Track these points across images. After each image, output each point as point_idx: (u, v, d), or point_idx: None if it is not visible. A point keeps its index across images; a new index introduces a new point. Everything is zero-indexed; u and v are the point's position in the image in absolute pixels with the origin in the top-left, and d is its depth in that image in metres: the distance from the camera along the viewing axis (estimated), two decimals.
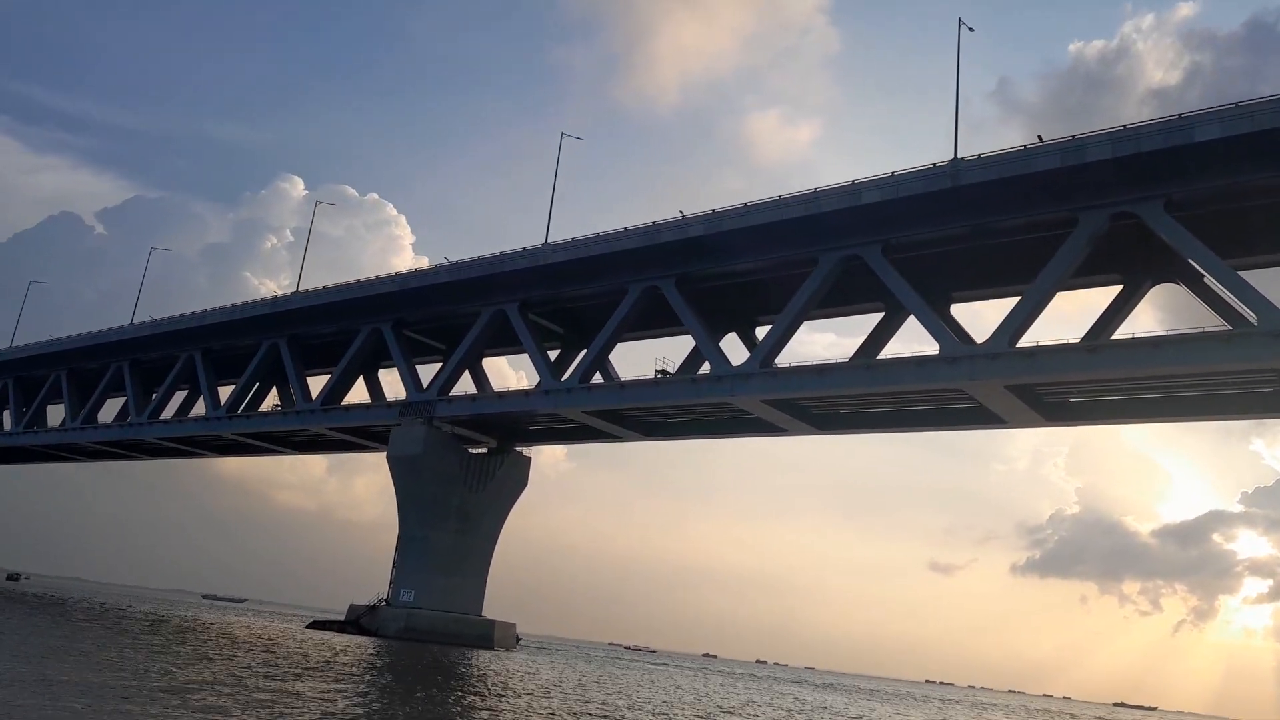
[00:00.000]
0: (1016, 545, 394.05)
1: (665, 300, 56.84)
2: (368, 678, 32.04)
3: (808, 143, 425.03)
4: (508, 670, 46.34)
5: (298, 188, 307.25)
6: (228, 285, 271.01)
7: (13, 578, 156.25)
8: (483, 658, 55.11)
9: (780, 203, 51.41)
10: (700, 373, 56.52)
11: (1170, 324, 44.15)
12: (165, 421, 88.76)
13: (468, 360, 69.21)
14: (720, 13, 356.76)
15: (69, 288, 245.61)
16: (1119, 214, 42.36)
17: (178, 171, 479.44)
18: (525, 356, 65.06)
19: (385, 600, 69.03)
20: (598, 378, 61.04)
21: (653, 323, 62.25)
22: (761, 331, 59.51)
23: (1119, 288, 48.86)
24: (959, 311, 54.00)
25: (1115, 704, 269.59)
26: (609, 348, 60.59)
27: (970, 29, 50.24)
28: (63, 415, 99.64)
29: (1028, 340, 44.55)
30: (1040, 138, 43.72)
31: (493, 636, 69.17)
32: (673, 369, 59.12)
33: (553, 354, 68.50)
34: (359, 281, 72.77)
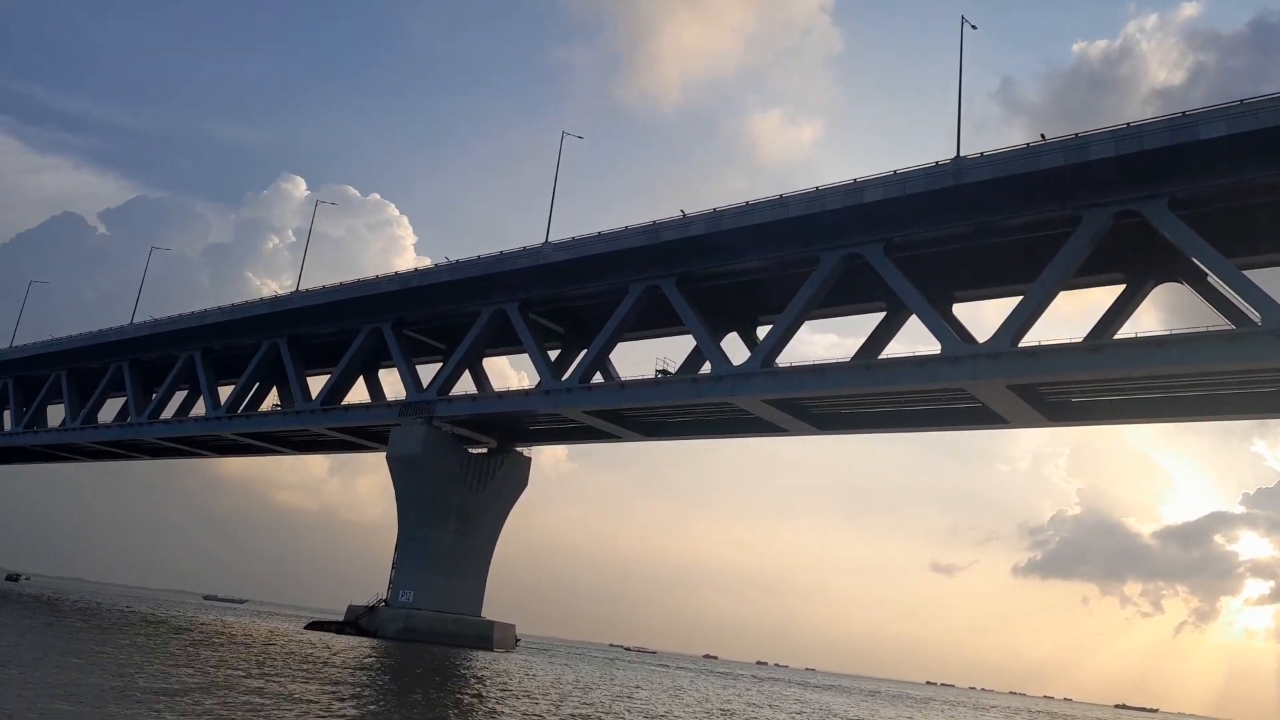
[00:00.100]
0: (1018, 546, 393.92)
1: (666, 300, 56.58)
2: (362, 679, 31.76)
3: (810, 143, 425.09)
4: (506, 671, 46.07)
5: (300, 188, 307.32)
6: (230, 285, 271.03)
7: (12, 578, 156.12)
8: (482, 659, 54.85)
9: (781, 201, 51.15)
10: (701, 372, 56.27)
11: (1172, 324, 43.99)
12: (165, 421, 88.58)
13: (468, 360, 68.99)
14: (722, 12, 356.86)
15: (71, 288, 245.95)
16: (1122, 212, 42.07)
17: (180, 172, 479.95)
18: (526, 356, 64.81)
19: (384, 601, 68.77)
20: (598, 377, 60.81)
21: (653, 322, 62.01)
22: (763, 331, 59.25)
23: (1122, 287, 48.58)
24: (961, 311, 53.81)
25: (1117, 705, 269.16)
26: (609, 347, 60.35)
27: (974, 26, 50.13)
28: (63, 415, 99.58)
29: (1030, 340, 44.29)
30: (1043, 136, 43.53)
31: (492, 637, 68.90)
32: (673, 369, 58.87)
33: (553, 354, 68.27)
34: (359, 281, 72.58)
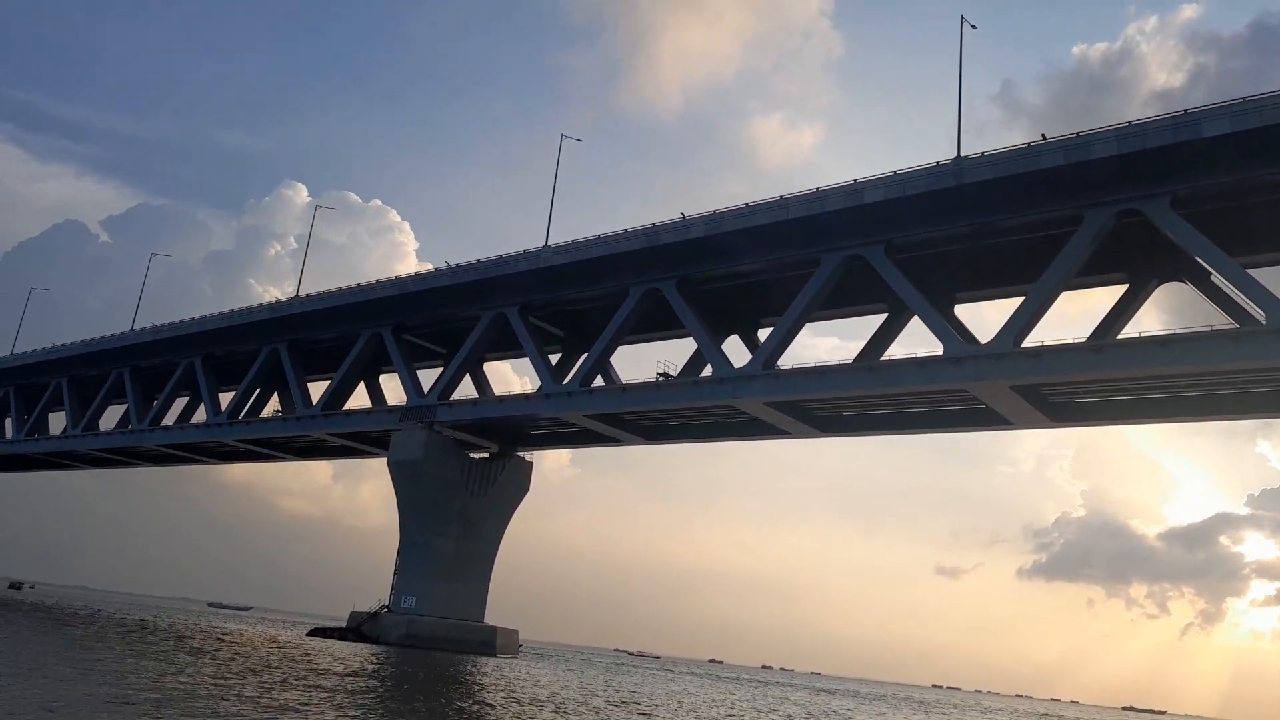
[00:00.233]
0: (1023, 548, 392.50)
1: (667, 302, 56.37)
2: (360, 687, 31.50)
3: (810, 146, 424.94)
4: (509, 678, 45.80)
5: (301, 194, 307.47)
6: (232, 292, 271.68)
7: (15, 586, 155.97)
8: (484, 665, 54.58)
9: (782, 203, 50.93)
10: (702, 375, 56.03)
11: (1175, 325, 43.71)
12: (166, 428, 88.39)
13: (468, 364, 68.79)
14: (723, 16, 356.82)
15: (74, 296, 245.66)
16: (1124, 212, 41.81)
17: (182, 179, 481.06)
18: (528, 361, 64.55)
19: (387, 607, 68.53)
20: (599, 381, 60.58)
21: (654, 325, 61.80)
22: (764, 334, 59.01)
23: (1124, 287, 48.29)
24: (962, 313, 53.57)
25: (1124, 708, 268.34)
26: (610, 351, 60.11)
27: (973, 26, 49.93)
28: (64, 423, 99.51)
29: (1032, 341, 44.01)
30: (1044, 136, 43.28)
31: (495, 643, 68.63)
32: (675, 372, 58.64)
33: (554, 358, 68.07)
34: (358, 286, 72.41)
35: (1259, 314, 39.07)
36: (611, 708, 35.02)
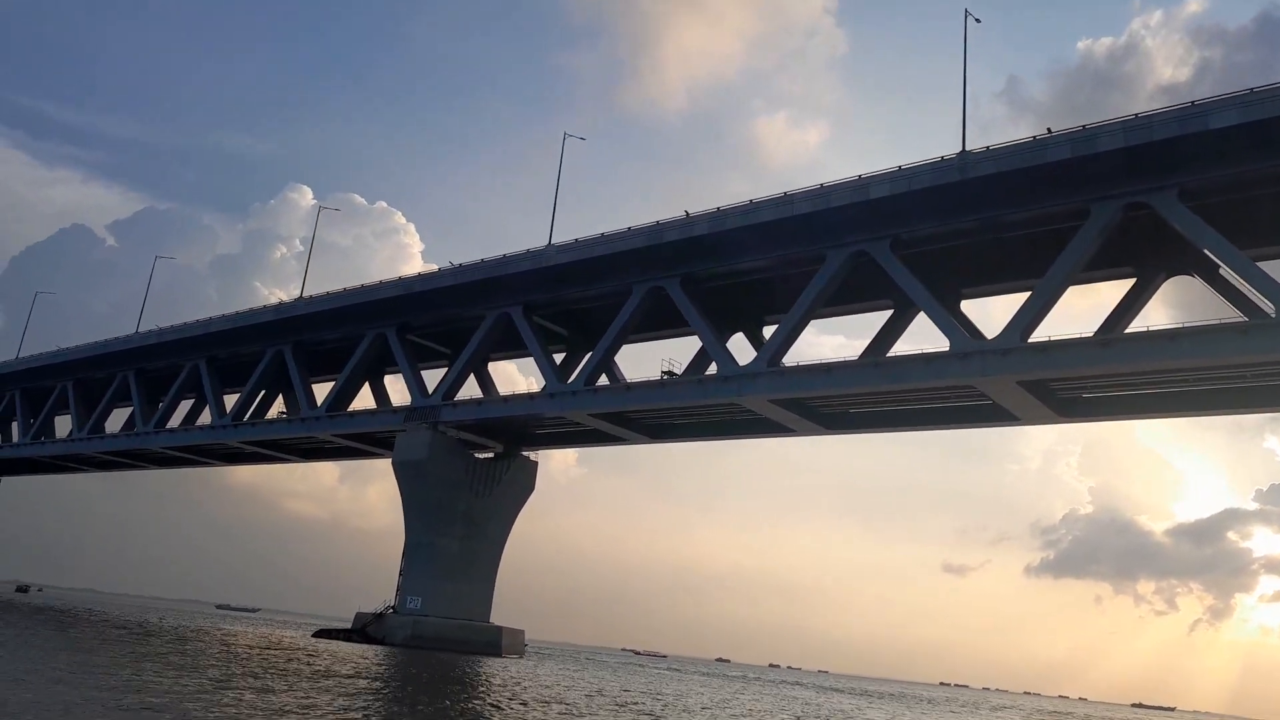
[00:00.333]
0: (1030, 546, 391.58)
1: (671, 301, 56.14)
2: (363, 687, 31.31)
3: (815, 145, 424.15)
4: (514, 678, 45.59)
5: (306, 197, 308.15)
6: (238, 296, 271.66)
7: (22, 589, 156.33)
8: (490, 665, 54.39)
9: (786, 199, 50.65)
10: (707, 373, 55.78)
11: (1182, 319, 43.24)
12: (171, 430, 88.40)
13: (473, 364, 68.63)
14: (726, 15, 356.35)
15: (81, 300, 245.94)
16: (1131, 205, 41.48)
17: (187, 183, 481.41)
18: (533, 361, 64.38)
19: (392, 607, 68.38)
20: (603, 380, 60.38)
21: (658, 324, 61.57)
22: (769, 331, 58.70)
23: (1131, 281, 47.97)
24: (969, 308, 53.19)
25: (1134, 705, 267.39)
26: (614, 349, 59.92)
27: (977, 20, 49.64)
28: (70, 426, 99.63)
29: (1039, 336, 43.69)
30: (1049, 130, 42.93)
31: (501, 643, 68.43)
32: (679, 370, 58.38)
33: (558, 357, 67.86)
34: (362, 286, 72.29)
35: (1268, 306, 38.74)
36: (620, 708, 34.78)
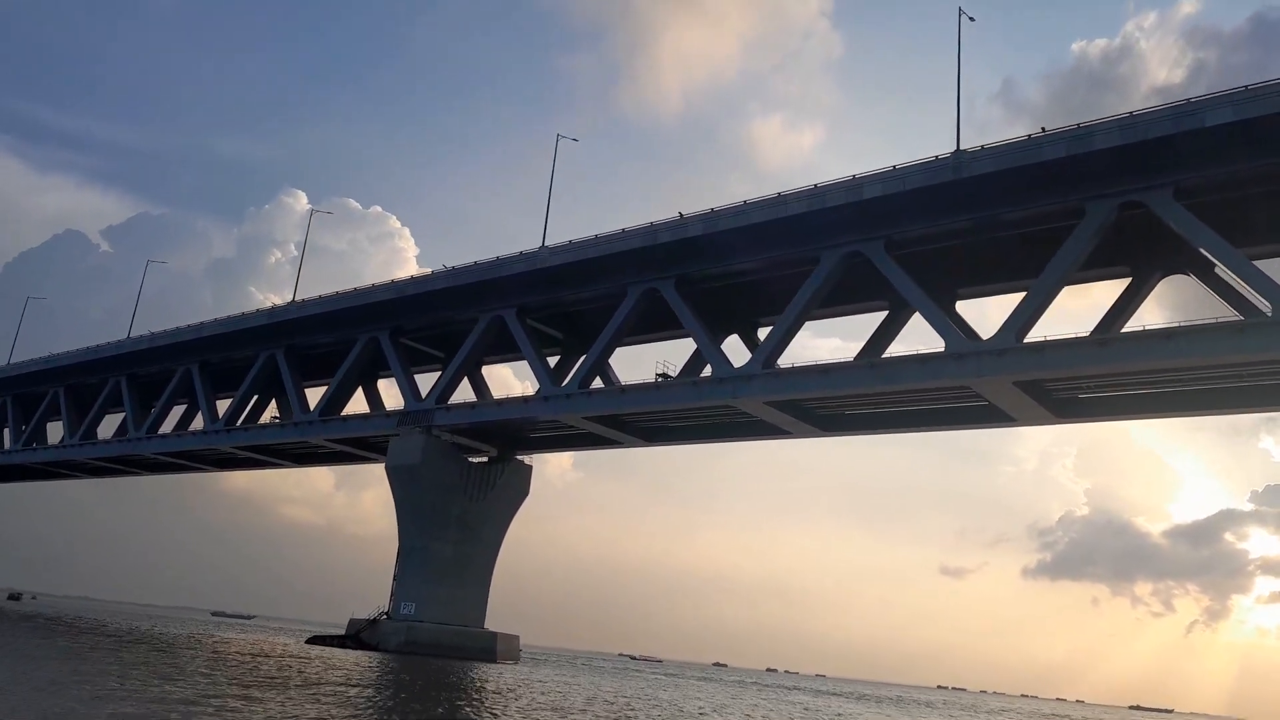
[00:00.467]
0: (1027, 547, 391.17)
1: (665, 302, 55.87)
2: (355, 694, 30.92)
3: (811, 147, 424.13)
4: (509, 684, 45.20)
5: (301, 201, 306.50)
6: (232, 301, 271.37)
7: (14, 597, 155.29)
8: (485, 671, 53.98)
9: (779, 200, 50.43)
10: (702, 375, 55.50)
11: (1178, 318, 43.10)
12: (164, 436, 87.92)
13: (466, 368, 68.27)
14: (723, 18, 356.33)
15: (75, 305, 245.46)
16: (1127, 204, 41.28)
17: (182, 188, 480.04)
18: (527, 364, 64.02)
19: (385, 613, 67.96)
20: (598, 383, 60.07)
21: (653, 326, 61.31)
22: (764, 333, 58.47)
23: (1127, 281, 47.79)
24: (964, 309, 53.00)
25: (1131, 706, 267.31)
26: (609, 352, 59.60)
27: (971, 19, 49.44)
28: (62, 432, 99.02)
29: (1035, 336, 43.47)
30: (1044, 129, 42.73)
31: (496, 649, 68.02)
32: (674, 373, 58.10)
33: (552, 360, 67.56)
34: (355, 290, 71.90)
35: (1264, 305, 38.55)
36: (617, 714, 34.42)
